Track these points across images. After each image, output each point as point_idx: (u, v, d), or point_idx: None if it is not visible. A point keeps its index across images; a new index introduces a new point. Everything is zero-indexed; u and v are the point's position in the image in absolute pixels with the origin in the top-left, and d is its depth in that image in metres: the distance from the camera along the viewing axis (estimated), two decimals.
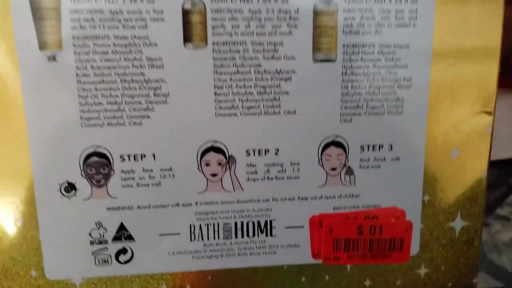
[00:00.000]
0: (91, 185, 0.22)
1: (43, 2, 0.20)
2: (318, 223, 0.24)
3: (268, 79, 0.22)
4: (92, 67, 0.21)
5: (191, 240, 0.23)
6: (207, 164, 0.22)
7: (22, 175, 0.21)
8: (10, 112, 0.21)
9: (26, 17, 0.20)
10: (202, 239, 0.23)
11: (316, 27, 0.21)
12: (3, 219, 0.22)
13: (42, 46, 0.20)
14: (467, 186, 0.24)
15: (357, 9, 0.21)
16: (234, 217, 0.23)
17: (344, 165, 0.23)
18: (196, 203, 0.23)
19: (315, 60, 0.22)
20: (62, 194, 0.22)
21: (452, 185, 0.24)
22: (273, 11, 0.21)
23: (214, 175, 0.23)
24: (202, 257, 0.23)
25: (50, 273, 0.23)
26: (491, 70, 0.23)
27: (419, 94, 0.23)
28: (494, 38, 0.22)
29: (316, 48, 0.22)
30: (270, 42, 0.21)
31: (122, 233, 0.23)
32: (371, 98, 0.23)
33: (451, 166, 0.24)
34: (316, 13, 0.21)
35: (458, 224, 0.24)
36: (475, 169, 0.24)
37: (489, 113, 0.23)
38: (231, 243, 0.23)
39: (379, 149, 0.23)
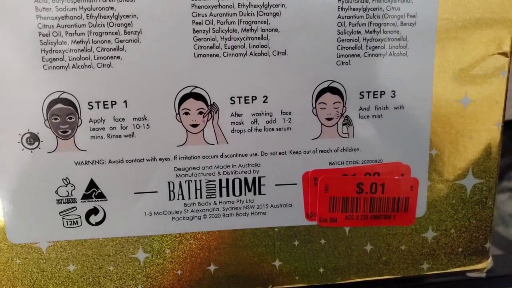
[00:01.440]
0: (56, 136, 0.19)
1: None
2: (312, 180, 0.21)
3: (254, 14, 0.19)
4: (53, 0, 0.18)
5: (170, 199, 0.21)
6: (186, 113, 0.20)
7: None
8: None
9: None
10: (183, 198, 0.21)
11: None
12: None
13: None
14: (479, 138, 0.21)
15: None
16: (218, 173, 0.21)
17: (341, 114, 0.21)
18: (175, 157, 0.20)
19: None
20: (24, 146, 0.19)
21: (463, 137, 0.21)
22: None
23: (194, 125, 0.20)
24: (183, 218, 0.21)
25: (13, 236, 0.20)
26: (508, 3, 0.20)
27: (426, 32, 0.20)
28: None
29: None
30: None
31: (93, 190, 0.20)
32: (371, 37, 0.20)
33: (461, 115, 0.21)
34: None
35: (469, 181, 0.22)
36: (489, 118, 0.21)
37: (504, 54, 0.21)
38: (215, 203, 0.21)
39: (380, 96, 0.21)
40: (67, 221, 0.20)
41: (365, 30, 0.20)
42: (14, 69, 0.18)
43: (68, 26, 0.18)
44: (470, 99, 0.21)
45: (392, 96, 0.21)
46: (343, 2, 0.19)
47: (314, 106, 0.20)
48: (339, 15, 0.20)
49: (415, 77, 0.21)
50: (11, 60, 0.18)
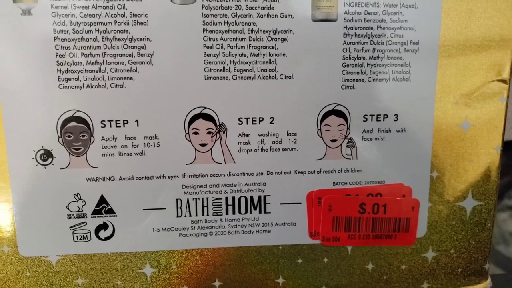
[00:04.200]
0: (69, 153, 0.20)
1: None
2: (316, 200, 0.22)
3: (262, 39, 0.20)
4: (71, 22, 0.19)
5: (177, 216, 0.21)
6: (196, 133, 0.21)
7: None
8: None
9: None
10: (190, 215, 0.21)
11: None
12: None
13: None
14: (479, 161, 0.22)
15: None
16: (225, 191, 0.21)
17: (345, 136, 0.21)
18: (184, 175, 0.21)
19: (314, 20, 0.20)
20: (38, 162, 0.20)
21: (463, 160, 0.22)
22: None
23: (203, 145, 0.21)
24: (190, 234, 0.22)
25: (24, 249, 0.21)
26: (507, 32, 0.21)
27: (428, 59, 0.21)
28: None
29: (315, 6, 0.20)
30: (265, 6, 0.20)
31: (103, 206, 0.21)
32: (375, 63, 0.21)
33: (462, 139, 0.22)
34: None
35: (469, 203, 0.22)
36: (488, 142, 0.22)
37: (503, 81, 0.21)
38: (221, 220, 0.22)
39: (383, 119, 0.21)
40: (77, 236, 0.21)
41: (370, 56, 0.21)
42: (31, 88, 0.19)
43: (84, 48, 0.19)
44: (470, 123, 0.22)
45: (394, 120, 0.21)
46: (348, 28, 0.20)
47: (319, 128, 0.21)
48: (345, 41, 0.20)
49: (417, 101, 0.21)
50: (28, 78, 0.19)
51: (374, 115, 0.21)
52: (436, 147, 0.22)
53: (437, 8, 0.20)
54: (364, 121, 0.21)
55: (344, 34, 0.20)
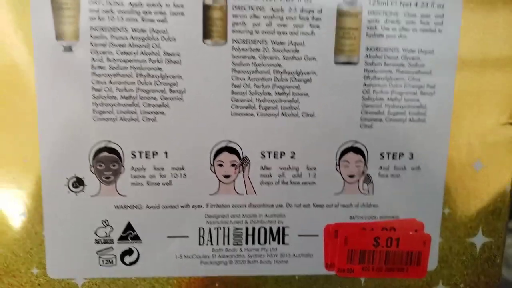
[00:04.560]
0: (100, 182, 0.21)
1: None
2: (333, 233, 0.23)
3: (287, 80, 0.21)
4: (108, 59, 0.20)
5: (199, 244, 0.22)
6: (220, 165, 0.22)
7: (30, 168, 0.21)
8: (22, 102, 0.20)
9: (44, 6, 0.19)
10: (211, 243, 0.22)
11: (339, 28, 0.21)
12: (7, 212, 0.21)
13: (59, 36, 0.20)
14: (490, 200, 0.23)
15: (382, 11, 0.21)
16: (246, 222, 0.22)
17: (363, 172, 0.22)
18: (207, 205, 0.22)
19: (337, 62, 0.21)
20: (70, 189, 0.21)
21: (475, 198, 0.23)
22: (295, 10, 0.20)
23: (227, 176, 0.22)
24: (211, 262, 0.22)
25: (52, 271, 0.22)
26: None
27: (443, 102, 0.22)
28: None
29: (338, 49, 0.21)
30: (291, 42, 0.21)
31: (129, 233, 0.22)
32: (393, 104, 0.22)
33: (474, 178, 0.23)
34: (340, 14, 0.21)
35: (479, 240, 0.23)
36: (499, 182, 0.23)
37: None
38: (241, 249, 0.22)
39: (399, 157, 0.22)
40: (103, 260, 0.22)
41: (388, 98, 0.22)
42: (67, 118, 0.20)
43: (119, 83, 0.20)
44: (483, 163, 0.23)
45: (410, 158, 0.22)
46: (368, 71, 0.21)
47: (337, 164, 0.22)
48: (365, 83, 0.21)
49: (432, 141, 0.22)
50: (65, 109, 0.20)
51: (390, 153, 0.22)
52: (448, 185, 0.23)
53: (453, 54, 0.21)
54: (381, 158, 0.22)
55: (364, 77, 0.21)
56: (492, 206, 0.23)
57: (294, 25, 0.20)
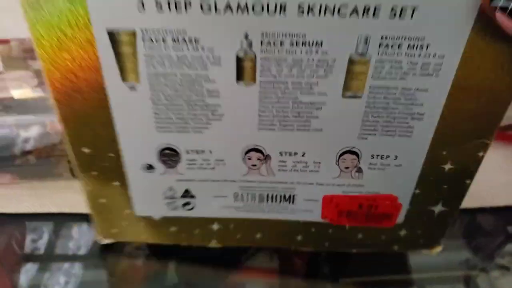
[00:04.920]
0: (165, 167, 0.30)
1: (124, 49, 0.24)
2: (329, 200, 0.32)
3: (302, 107, 0.27)
4: (163, 94, 0.26)
5: (234, 201, 0.32)
6: (249, 158, 0.29)
7: (119, 161, 0.29)
8: (109, 122, 0.27)
9: (111, 58, 0.24)
10: (243, 200, 0.32)
11: (349, 71, 0.25)
12: (109, 185, 0.31)
13: (124, 79, 0.25)
14: (451, 184, 0.30)
15: (388, 60, 0.24)
16: (267, 191, 0.31)
17: (356, 166, 0.30)
18: (240, 180, 0.31)
19: (344, 96, 0.26)
20: (145, 171, 0.30)
21: (441, 183, 0.30)
22: (313, 60, 0.24)
23: (253, 165, 0.30)
24: (242, 210, 0.33)
25: (137, 210, 0.33)
26: (496, 111, 0.26)
27: (429, 125, 0.27)
28: (503, 85, 0.25)
29: (346, 87, 0.26)
30: (307, 83, 0.25)
31: (187, 193, 0.32)
32: (386, 125, 0.27)
33: (442, 174, 0.30)
34: (351, 62, 0.25)
35: (438, 208, 0.32)
36: (462, 176, 0.30)
37: (486, 144, 0.28)
38: (263, 205, 0.32)
39: (386, 158, 0.29)
40: (170, 208, 0.33)
41: (383, 121, 0.27)
42: (140, 132, 0.28)
43: (173, 110, 0.27)
44: (451, 165, 0.29)
45: (394, 159, 0.29)
46: (369, 103, 0.26)
47: (337, 160, 0.29)
48: (365, 110, 0.27)
49: (414, 150, 0.28)
50: (138, 127, 0.28)
51: (379, 155, 0.29)
52: (421, 177, 0.30)
53: (444, 91, 0.26)
54: (371, 158, 0.29)
55: (365, 106, 0.26)
56: (453, 188, 0.31)
57: (311, 71, 0.25)
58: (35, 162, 0.38)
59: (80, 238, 0.37)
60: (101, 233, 0.35)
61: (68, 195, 0.39)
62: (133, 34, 0.24)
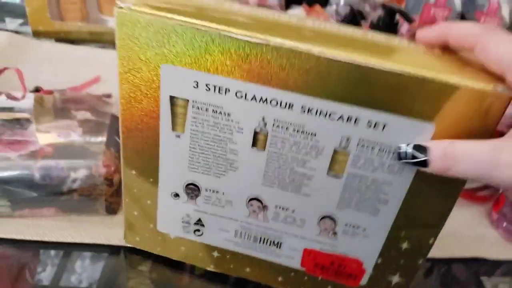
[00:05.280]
0: (187, 197, 0.39)
1: (178, 109, 0.34)
2: (308, 252, 0.39)
3: (296, 176, 0.35)
4: (198, 145, 0.36)
5: (235, 236, 0.41)
6: (251, 205, 0.38)
7: (155, 186, 0.39)
8: (156, 155, 0.37)
9: (168, 113, 0.35)
10: (241, 237, 0.40)
11: (333, 158, 0.34)
12: (143, 202, 0.40)
13: (173, 129, 0.35)
14: (407, 260, 0.37)
15: (363, 156, 0.33)
16: (261, 234, 0.40)
17: (332, 229, 0.38)
18: (241, 221, 0.39)
19: (328, 174, 0.35)
20: (171, 197, 0.39)
21: (399, 258, 0.37)
22: (307, 144, 0.33)
23: (254, 211, 0.38)
24: (239, 245, 0.41)
25: (160, 227, 0.42)
26: (441, 211, 0.34)
27: (392, 209, 0.35)
28: (443, 195, 0.33)
29: (330, 168, 0.34)
30: (302, 159, 0.34)
31: (199, 222, 0.40)
32: (359, 203, 0.35)
33: (400, 251, 0.37)
34: (335, 151, 0.33)
35: (395, 278, 0.39)
36: (416, 256, 0.37)
37: (436, 232, 0.35)
38: (256, 244, 0.41)
39: (356, 228, 0.37)
40: (185, 230, 0.41)
41: (356, 199, 0.35)
42: (176, 167, 0.37)
43: (203, 158, 0.36)
44: (408, 245, 0.36)
45: (363, 230, 0.37)
46: (346, 184, 0.35)
47: (318, 221, 0.37)
48: (343, 189, 0.35)
49: (379, 225, 0.36)
50: (174, 165, 0.37)
51: (352, 224, 0.37)
52: (382, 251, 0.37)
53: (404, 187, 0.34)
54: (345, 225, 0.37)
55: (343, 185, 0.35)
56: (407, 265, 0.38)
57: (305, 151, 0.34)
58: (77, 199, 0.45)
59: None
60: (127, 237, 0.44)
61: (101, 229, 0.46)
62: (187, 102, 0.34)
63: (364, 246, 0.38)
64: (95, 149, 0.44)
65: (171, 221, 0.41)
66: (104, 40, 0.79)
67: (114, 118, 0.50)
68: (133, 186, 0.40)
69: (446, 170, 0.29)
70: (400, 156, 0.32)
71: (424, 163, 0.30)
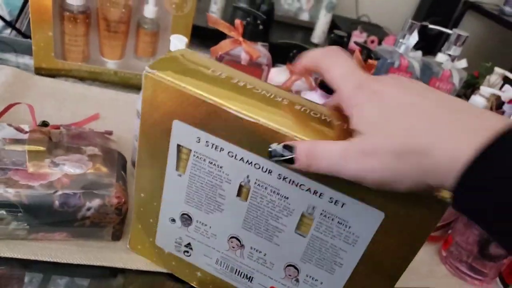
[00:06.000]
0: (181, 224, 0.46)
1: (182, 155, 0.42)
2: None
3: (270, 227, 0.42)
4: (194, 185, 0.43)
5: (216, 263, 0.47)
6: (231, 242, 0.45)
7: (158, 209, 0.47)
8: (161, 187, 0.45)
9: (174, 157, 0.42)
10: (221, 266, 0.47)
11: (300, 220, 0.40)
12: (147, 219, 0.48)
13: (177, 169, 0.43)
14: None
15: (325, 224, 0.39)
16: (236, 266, 0.46)
17: (295, 276, 0.44)
18: (222, 252, 0.46)
19: (295, 232, 0.41)
20: (169, 221, 0.47)
21: None
22: (281, 204, 0.40)
23: (233, 247, 0.45)
24: (218, 271, 0.48)
25: (158, 242, 0.50)
26: (393, 275, 0.39)
27: (345, 271, 0.41)
28: (400, 260, 0.38)
29: (297, 228, 0.40)
30: (276, 215, 0.41)
31: (188, 245, 0.48)
32: (319, 260, 0.41)
33: None
34: (302, 215, 0.39)
35: None
36: None
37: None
38: (232, 274, 0.47)
39: (315, 280, 0.43)
40: (176, 249, 0.49)
41: (317, 257, 0.41)
42: (175, 198, 0.45)
43: (197, 196, 0.43)
44: None
45: (320, 283, 0.43)
46: (310, 243, 0.41)
47: (284, 267, 0.44)
48: (307, 246, 0.41)
49: (334, 282, 0.42)
50: (175, 196, 0.45)
51: (311, 276, 0.43)
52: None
53: (357, 256, 0.39)
54: (306, 276, 0.43)
55: (307, 244, 0.41)
56: None
57: (279, 209, 0.40)
58: (88, 225, 0.49)
59: None
60: (131, 244, 0.52)
61: (107, 254, 0.51)
62: (190, 151, 0.41)
63: None
64: (106, 181, 0.49)
65: (166, 239, 0.49)
66: (101, 79, 0.84)
67: (120, 155, 0.56)
68: (141, 206, 0.48)
69: (308, 167, 0.34)
70: (271, 154, 0.35)
71: (291, 161, 0.35)
